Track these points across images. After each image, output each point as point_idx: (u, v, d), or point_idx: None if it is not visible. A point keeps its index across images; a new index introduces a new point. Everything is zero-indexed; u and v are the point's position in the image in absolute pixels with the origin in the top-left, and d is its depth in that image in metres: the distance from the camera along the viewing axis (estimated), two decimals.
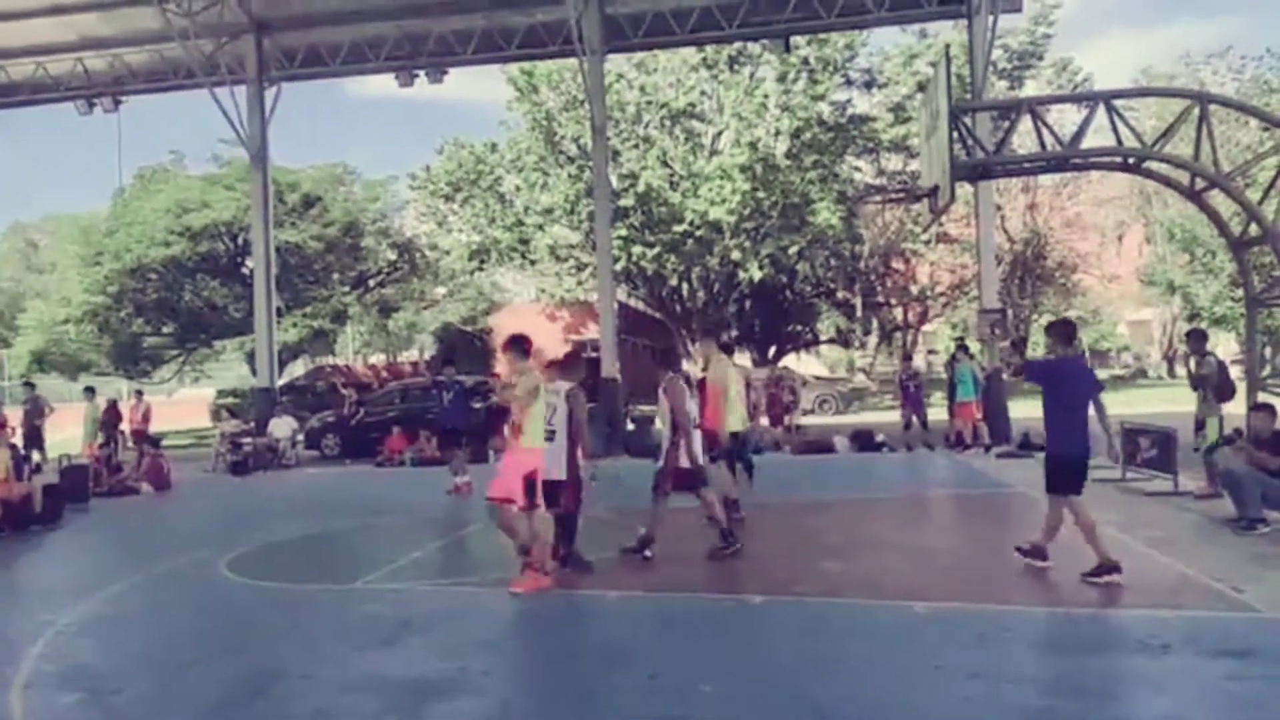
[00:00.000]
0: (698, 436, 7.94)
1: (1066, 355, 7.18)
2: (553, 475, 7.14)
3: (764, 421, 17.40)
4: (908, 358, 17.95)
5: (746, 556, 7.86)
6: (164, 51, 20.81)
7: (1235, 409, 9.84)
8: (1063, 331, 7.27)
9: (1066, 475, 6.83)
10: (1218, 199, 11.45)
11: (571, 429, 7.26)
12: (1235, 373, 10.55)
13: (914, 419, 16.17)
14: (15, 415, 17.54)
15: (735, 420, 9.33)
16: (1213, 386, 9.75)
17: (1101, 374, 44.63)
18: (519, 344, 7.35)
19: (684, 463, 7.78)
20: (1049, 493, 6.98)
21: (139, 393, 19.92)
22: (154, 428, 19.01)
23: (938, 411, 17.00)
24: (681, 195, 29.98)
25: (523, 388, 6.95)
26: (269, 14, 20.09)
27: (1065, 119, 24.85)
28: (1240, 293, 31.55)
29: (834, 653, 5.29)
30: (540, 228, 32.22)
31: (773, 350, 40.53)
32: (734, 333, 38.32)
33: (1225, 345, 40.06)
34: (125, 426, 18.79)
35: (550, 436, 7.12)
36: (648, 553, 7.85)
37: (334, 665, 5.35)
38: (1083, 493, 6.80)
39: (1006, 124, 12.48)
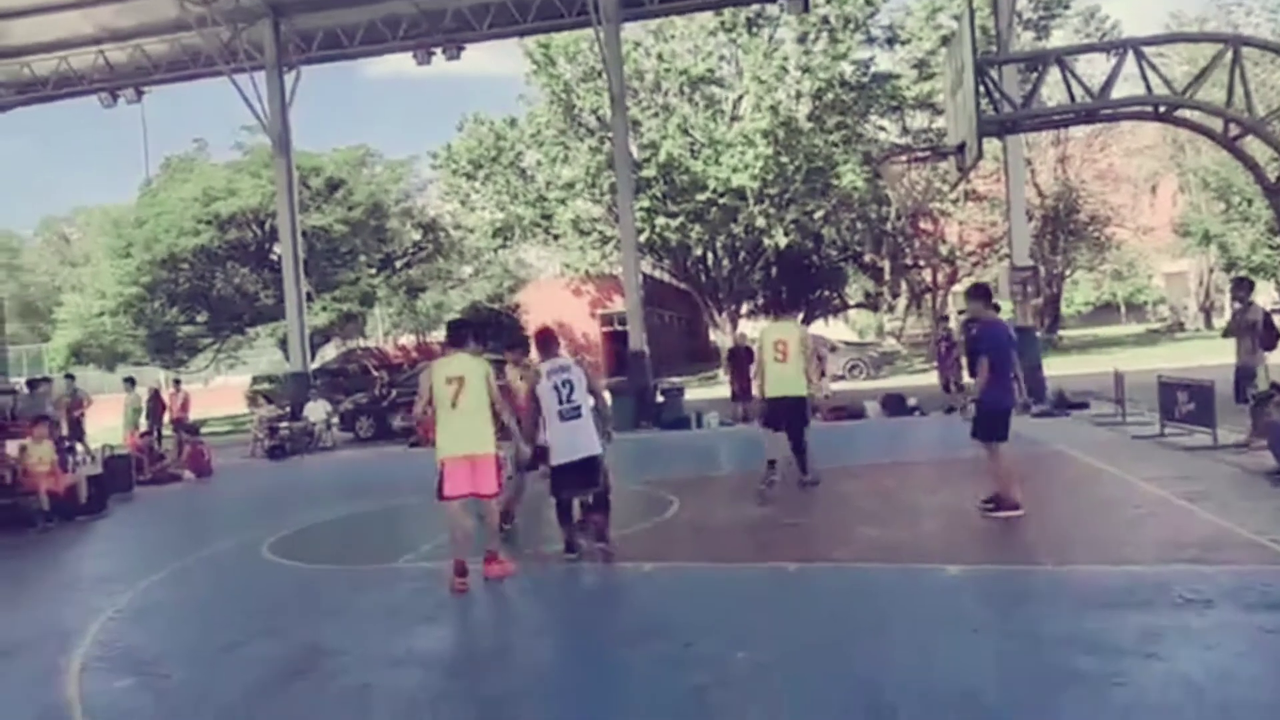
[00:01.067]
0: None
1: (989, 317, 7.97)
2: (593, 450, 6.75)
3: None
4: (943, 319, 17.71)
5: (779, 524, 7.87)
6: (183, 40, 20.92)
7: (1275, 358, 9.67)
8: (983, 295, 8.24)
9: (995, 424, 7.47)
10: (1253, 145, 11.17)
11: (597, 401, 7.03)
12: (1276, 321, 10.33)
13: (950, 380, 15.98)
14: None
15: (769, 386, 9.19)
16: (1258, 335, 9.59)
17: (1138, 328, 44.03)
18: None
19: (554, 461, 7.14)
20: (976, 439, 7.59)
21: (177, 381, 20.25)
22: (192, 415, 19.33)
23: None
24: (703, 163, 29.77)
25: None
26: None
27: (1094, 69, 24.23)
28: (1278, 239, 30.92)
29: (869, 618, 5.29)
30: (562, 202, 32.20)
31: (801, 316, 40.28)
32: (760, 301, 38.15)
33: (1264, 294, 39.26)
34: (167, 415, 19.11)
35: (576, 413, 6.74)
36: (506, 525, 7.78)
37: (377, 643, 5.44)
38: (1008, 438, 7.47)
39: (1034, 76, 12.23)
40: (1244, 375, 9.76)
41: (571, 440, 6.72)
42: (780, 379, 9.08)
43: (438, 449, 6.48)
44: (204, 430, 18.02)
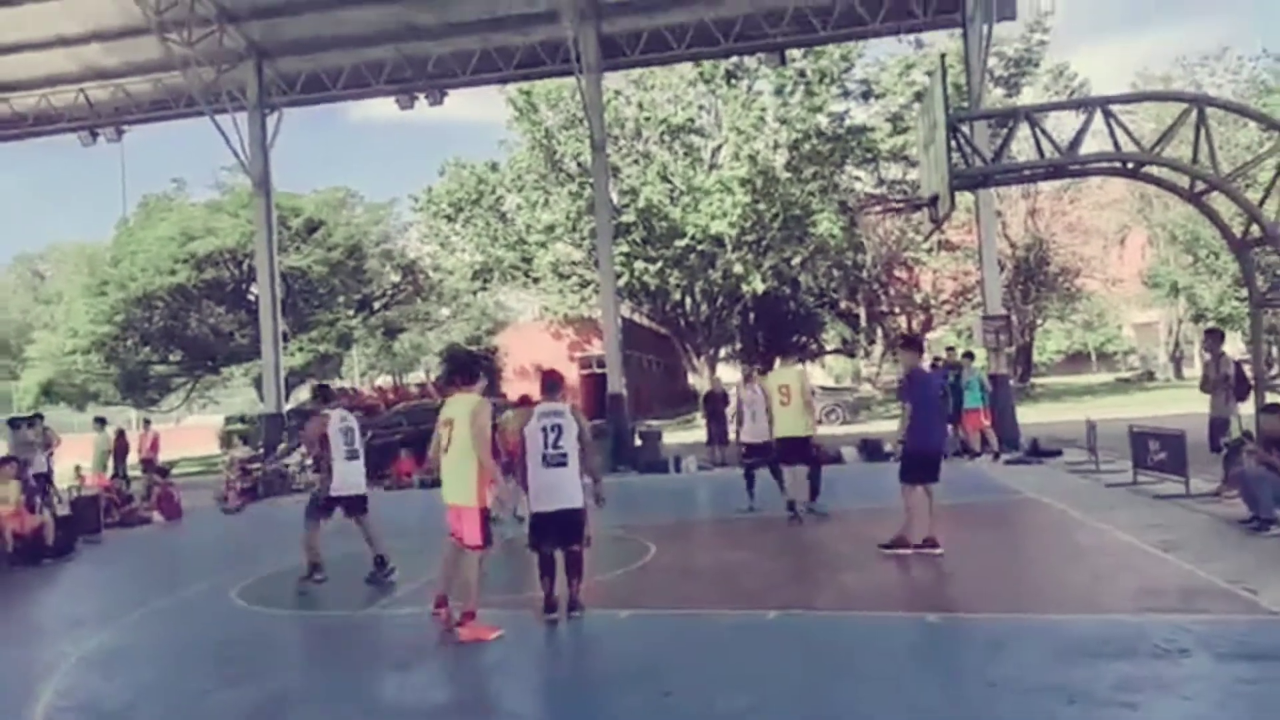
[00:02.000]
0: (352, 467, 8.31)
1: (918, 367, 8.49)
2: (575, 503, 6.44)
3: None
4: (934, 365, 17.67)
5: (758, 570, 7.85)
6: (165, 80, 21.00)
7: (1246, 408, 9.84)
8: (913, 346, 8.97)
9: (915, 467, 7.91)
10: (1218, 200, 11.46)
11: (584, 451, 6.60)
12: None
13: None
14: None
15: (780, 426, 10.06)
16: (1231, 386, 9.81)
17: (1108, 377, 44.61)
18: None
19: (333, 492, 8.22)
20: (902, 482, 7.95)
21: (147, 422, 20.01)
22: (164, 456, 19.05)
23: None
24: (682, 210, 30.11)
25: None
26: (268, 41, 20.27)
27: (1063, 124, 24.98)
28: (1245, 292, 31.61)
29: (849, 666, 5.27)
30: (542, 245, 32.38)
31: (777, 362, 40.51)
32: (738, 345, 38.36)
33: (1231, 345, 39.99)
34: (133, 456, 18.83)
35: (562, 460, 6.42)
36: (318, 576, 8.17)
37: (347, 692, 5.34)
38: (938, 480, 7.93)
39: (1004, 132, 12.52)
40: (1218, 426, 9.93)
41: (553, 489, 6.40)
42: (785, 421, 9.97)
43: None
44: (175, 471, 17.72)
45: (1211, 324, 33.87)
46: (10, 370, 42.03)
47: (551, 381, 6.86)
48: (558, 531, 6.45)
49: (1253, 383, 10.03)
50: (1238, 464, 8.94)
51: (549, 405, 6.63)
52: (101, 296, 31.44)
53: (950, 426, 15.91)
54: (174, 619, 7.78)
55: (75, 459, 18.77)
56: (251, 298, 30.78)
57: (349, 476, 8.27)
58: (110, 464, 18.10)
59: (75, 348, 31.52)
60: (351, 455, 8.32)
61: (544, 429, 6.46)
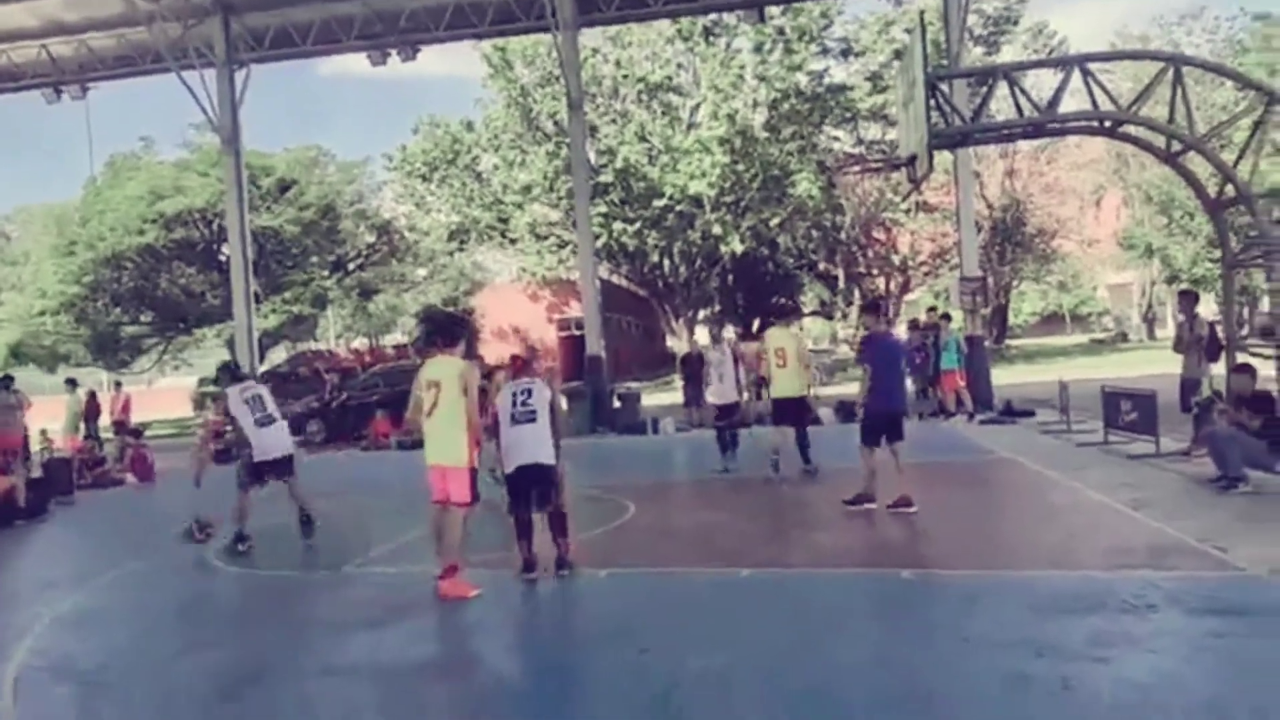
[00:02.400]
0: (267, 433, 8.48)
1: (879, 330, 8.89)
2: (543, 459, 6.43)
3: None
4: (914, 326, 17.66)
5: (734, 530, 7.89)
6: (130, 36, 20.43)
7: (1215, 370, 9.96)
8: (875, 310, 9.80)
9: (883, 428, 8.12)
10: (1194, 161, 11.48)
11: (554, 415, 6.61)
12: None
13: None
14: None
15: (777, 387, 10.24)
16: (1204, 347, 9.92)
17: (1082, 338, 45.04)
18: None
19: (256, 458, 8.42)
20: (863, 445, 8.25)
21: (118, 384, 19.75)
22: (136, 418, 18.86)
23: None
24: (660, 170, 29.88)
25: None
26: None
27: (1042, 84, 24.85)
28: (1218, 254, 31.89)
29: (824, 623, 5.33)
30: (519, 206, 32.09)
31: (756, 323, 40.59)
32: (716, 307, 38.34)
33: (1204, 305, 40.42)
34: (105, 418, 18.63)
35: (531, 417, 6.44)
36: (241, 546, 8.28)
37: (324, 651, 5.34)
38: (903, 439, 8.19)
39: (983, 90, 12.44)
40: (1189, 386, 10.03)
41: (520, 444, 6.42)
42: (781, 382, 10.16)
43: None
44: (148, 433, 17.55)
45: (1185, 285, 34.25)
46: None
47: (521, 366, 6.93)
48: (529, 488, 6.42)
49: (1224, 343, 10.14)
50: (1208, 424, 9.06)
51: (520, 380, 6.70)
52: (70, 257, 30.90)
53: (929, 387, 16.07)
54: (148, 580, 7.74)
55: (46, 421, 18.56)
56: (223, 258, 30.35)
57: (265, 441, 8.47)
58: (82, 426, 17.89)
59: (44, 309, 31.03)
60: (264, 422, 8.50)
61: (513, 393, 6.54)
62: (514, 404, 6.49)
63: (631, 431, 16.82)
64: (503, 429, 6.52)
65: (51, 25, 20.49)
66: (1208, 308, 38.28)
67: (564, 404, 6.73)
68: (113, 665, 5.42)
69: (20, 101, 23.92)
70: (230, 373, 9.30)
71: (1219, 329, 10.43)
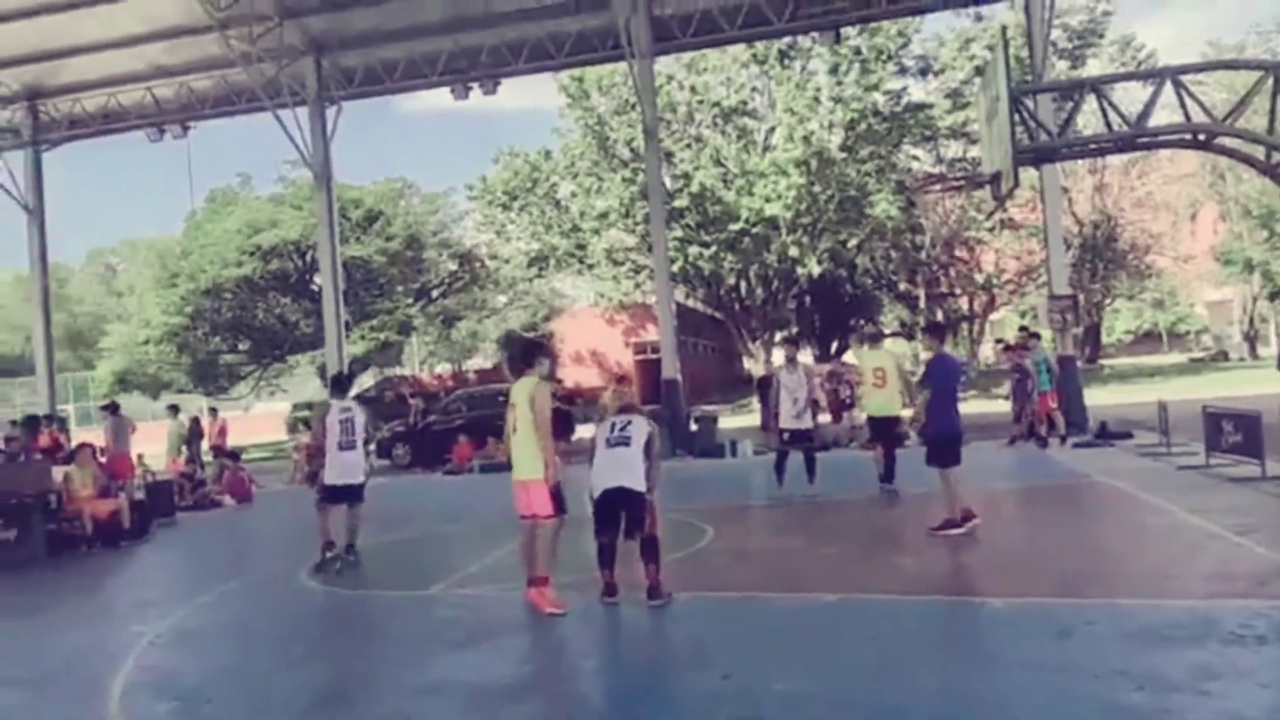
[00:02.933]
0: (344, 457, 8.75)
1: (942, 352, 8.83)
2: (632, 484, 6.35)
3: (825, 418, 17.16)
4: (1007, 347, 17.06)
5: (815, 554, 7.80)
6: (228, 77, 21.46)
7: None
8: (937, 333, 9.59)
9: (947, 450, 8.12)
10: None
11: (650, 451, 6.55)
12: None
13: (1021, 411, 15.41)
14: (97, 435, 18.22)
15: (873, 406, 10.73)
16: None
17: (1180, 357, 43.27)
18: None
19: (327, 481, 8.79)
20: (930, 465, 8.24)
21: (214, 410, 20.58)
22: (233, 442, 19.60)
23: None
24: (736, 193, 29.89)
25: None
26: (327, 35, 20.59)
27: (1131, 97, 24.13)
28: None
29: (912, 651, 5.22)
30: (596, 232, 32.45)
31: (835, 345, 40.14)
32: (794, 329, 38.04)
33: None
34: (205, 442, 19.38)
35: (625, 442, 6.46)
36: (329, 554, 8.62)
37: (413, 670, 5.45)
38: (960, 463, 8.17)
39: (1070, 105, 12.17)
40: None
41: (611, 467, 6.41)
42: (878, 401, 10.55)
43: None
44: (245, 457, 18.24)
45: None
46: (86, 360, 43.62)
47: (630, 406, 7.06)
48: (615, 511, 6.37)
49: None
50: None
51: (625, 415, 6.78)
52: (172, 288, 32.43)
53: (1026, 410, 15.48)
54: (245, 599, 8.02)
55: (147, 445, 19.43)
56: (315, 288, 31.44)
57: (342, 464, 8.68)
58: (184, 449, 18.66)
59: (148, 338, 32.58)
60: (346, 445, 8.66)
61: (613, 423, 6.67)
62: (612, 430, 6.60)
63: (709, 455, 16.76)
64: (597, 453, 6.59)
65: (154, 69, 21.67)
66: None
67: (659, 445, 6.70)
68: (211, 683, 5.63)
69: (126, 141, 25.32)
70: (339, 386, 9.62)
71: None
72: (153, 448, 18.62)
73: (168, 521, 13.26)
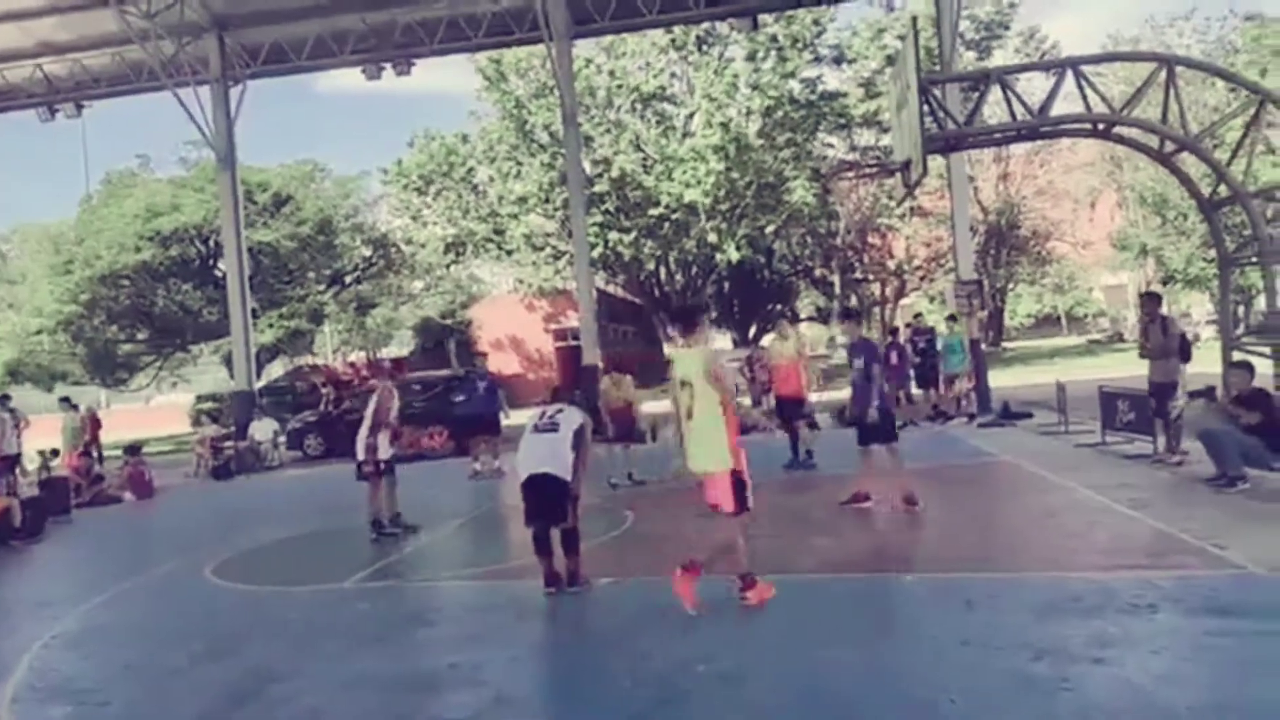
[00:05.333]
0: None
1: (863, 336, 9.00)
2: (554, 470, 6.21)
3: (745, 401, 17.39)
4: (892, 331, 17.82)
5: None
6: (125, 54, 20.52)
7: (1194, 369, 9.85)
8: (854, 318, 9.69)
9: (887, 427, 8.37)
10: (1187, 161, 11.54)
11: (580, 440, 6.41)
12: (1209, 332, 10.62)
13: (901, 393, 16.05)
14: None
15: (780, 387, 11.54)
16: (1176, 350, 9.52)
17: (1078, 339, 45.08)
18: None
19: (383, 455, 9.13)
20: (877, 444, 8.43)
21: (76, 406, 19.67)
22: (134, 435, 18.84)
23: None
24: (656, 179, 29.94)
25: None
26: (230, 11, 19.83)
27: (1034, 87, 25.02)
28: (1213, 253, 31.97)
29: (827, 627, 5.32)
30: (515, 217, 32.13)
31: (753, 330, 40.64)
32: (713, 314, 38.39)
33: (1200, 305, 40.54)
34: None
35: (552, 428, 6.36)
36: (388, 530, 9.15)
37: (325, 665, 5.32)
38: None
39: (976, 95, 12.51)
40: (1166, 390, 9.52)
41: (534, 452, 6.26)
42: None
43: None
44: (145, 450, 17.52)
45: (1179, 285, 34.32)
46: None
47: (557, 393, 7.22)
48: (540, 501, 6.22)
49: (1196, 343, 9.89)
50: (1204, 424, 8.99)
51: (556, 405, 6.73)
52: (66, 275, 30.93)
53: (928, 390, 16.09)
54: (146, 598, 7.71)
55: (44, 440, 18.52)
56: (219, 274, 30.39)
57: (382, 443, 9.21)
58: (81, 444, 17.82)
59: (41, 327, 31.05)
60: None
61: (543, 411, 6.57)
62: (541, 416, 6.50)
63: (631, 440, 16.74)
64: (523, 438, 6.46)
65: (46, 45, 20.57)
66: (1203, 308, 38.43)
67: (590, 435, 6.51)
68: (112, 684, 5.40)
69: (14, 121, 24.00)
70: (390, 372, 10.96)
71: (1210, 328, 10.38)
72: (44, 443, 17.74)
73: (63, 519, 12.68)
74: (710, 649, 4.98)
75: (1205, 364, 10.15)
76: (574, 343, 28.92)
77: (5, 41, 20.27)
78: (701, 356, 5.71)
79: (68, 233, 33.39)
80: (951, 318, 16.41)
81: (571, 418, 6.41)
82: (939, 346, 15.96)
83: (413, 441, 16.75)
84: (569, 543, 6.34)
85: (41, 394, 32.20)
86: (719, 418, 5.55)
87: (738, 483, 5.58)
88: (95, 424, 18.57)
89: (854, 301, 39.69)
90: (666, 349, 37.20)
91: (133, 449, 16.20)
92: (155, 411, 39.92)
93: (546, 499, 6.20)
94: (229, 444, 18.55)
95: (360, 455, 9.11)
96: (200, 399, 33.88)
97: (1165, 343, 9.52)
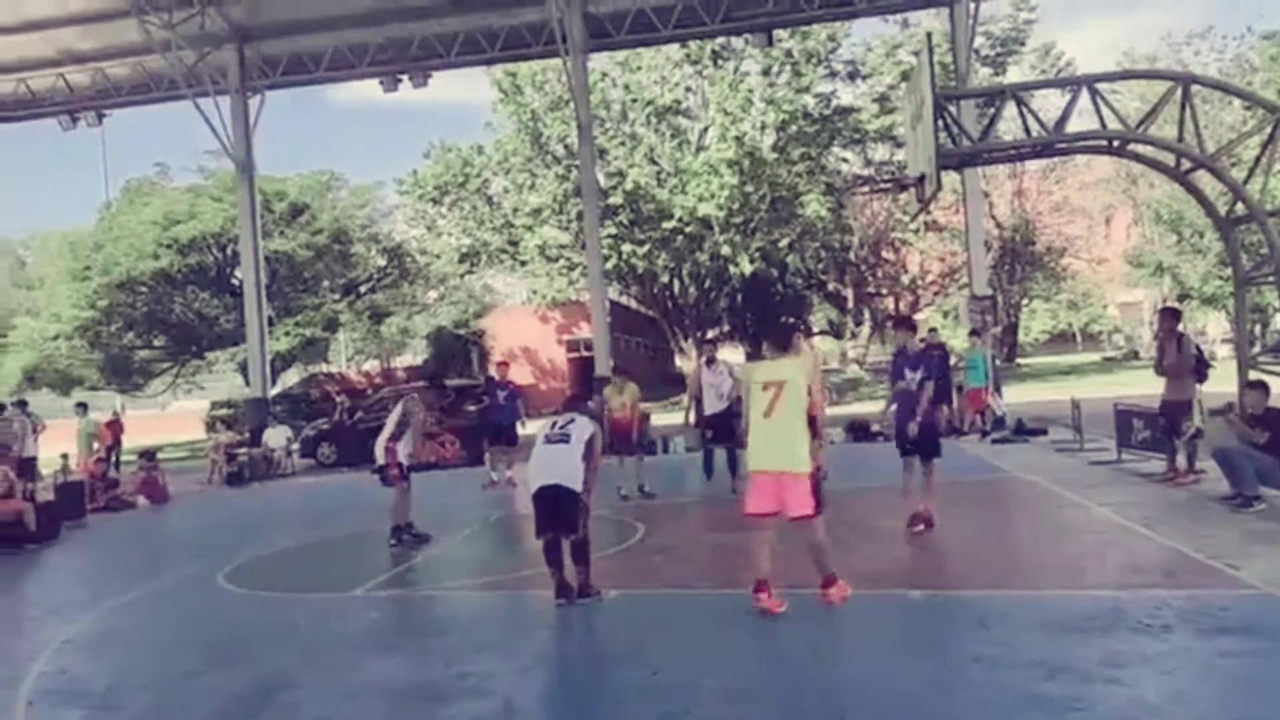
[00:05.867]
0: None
1: (911, 346, 8.47)
2: (564, 482, 6.23)
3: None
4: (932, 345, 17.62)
5: (743, 550, 7.85)
6: (146, 64, 20.77)
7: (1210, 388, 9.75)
8: (908, 326, 9.02)
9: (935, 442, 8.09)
10: (1204, 179, 11.49)
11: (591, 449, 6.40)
12: (1225, 351, 10.55)
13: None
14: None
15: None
16: (1192, 369, 9.39)
17: (1093, 356, 44.84)
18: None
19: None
20: (906, 456, 8.13)
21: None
22: (149, 440, 18.97)
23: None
24: (670, 192, 30.00)
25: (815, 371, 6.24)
26: (250, 23, 20.04)
27: (1049, 104, 24.92)
28: (1229, 271, 31.78)
29: (837, 643, 5.31)
30: (529, 229, 32.24)
31: (765, 344, 40.50)
32: (725, 327, 38.36)
33: (1216, 323, 40.26)
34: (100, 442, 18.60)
35: (564, 439, 6.33)
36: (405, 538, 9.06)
37: (336, 673, 5.34)
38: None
39: (991, 111, 12.51)
40: (1179, 409, 9.41)
41: (546, 463, 6.27)
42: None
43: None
44: (160, 456, 17.63)
45: (1195, 303, 34.08)
46: None
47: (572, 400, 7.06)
48: (547, 511, 6.25)
49: (1213, 361, 9.81)
50: (1219, 444, 8.91)
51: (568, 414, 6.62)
52: (85, 282, 31.19)
53: (944, 405, 15.99)
54: (160, 603, 7.76)
55: (60, 445, 18.67)
56: (236, 282, 30.59)
57: (404, 450, 9.25)
58: (98, 448, 17.96)
59: (58, 333, 31.29)
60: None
61: (554, 422, 6.46)
62: (552, 427, 6.44)
63: (641, 451, 16.74)
64: (535, 449, 6.43)
65: (67, 54, 20.85)
66: (1220, 326, 38.13)
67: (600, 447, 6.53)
68: (124, 688, 5.42)
69: (37, 129, 24.30)
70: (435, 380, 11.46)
71: (1226, 347, 10.30)
72: (61, 447, 17.90)
73: (78, 524, 12.76)
74: (719, 664, 4.97)
75: (1221, 383, 10.07)
76: (587, 354, 28.99)
77: (28, 50, 20.55)
78: (803, 364, 6.15)
79: (86, 239, 33.68)
80: (974, 333, 16.36)
81: (583, 428, 6.40)
82: (958, 363, 15.93)
83: (424, 452, 16.75)
84: (579, 554, 6.33)
85: (58, 399, 32.44)
86: (804, 422, 5.84)
87: (816, 484, 5.86)
88: (119, 428, 18.70)
89: (866, 316, 39.62)
90: (678, 361, 37.27)
91: (148, 454, 16.30)
92: (171, 418, 40.14)
93: (557, 510, 6.22)
94: (243, 451, 18.64)
95: (380, 459, 9.09)
96: (215, 405, 34.04)
97: (1180, 360, 9.43)
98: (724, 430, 10.84)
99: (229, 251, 31.46)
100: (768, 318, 39.88)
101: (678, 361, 36.07)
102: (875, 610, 5.89)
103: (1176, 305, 17.03)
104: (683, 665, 5.00)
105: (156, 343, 33.80)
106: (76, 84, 21.65)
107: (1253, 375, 9.55)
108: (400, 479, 9.04)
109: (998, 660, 4.69)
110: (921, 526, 7.84)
